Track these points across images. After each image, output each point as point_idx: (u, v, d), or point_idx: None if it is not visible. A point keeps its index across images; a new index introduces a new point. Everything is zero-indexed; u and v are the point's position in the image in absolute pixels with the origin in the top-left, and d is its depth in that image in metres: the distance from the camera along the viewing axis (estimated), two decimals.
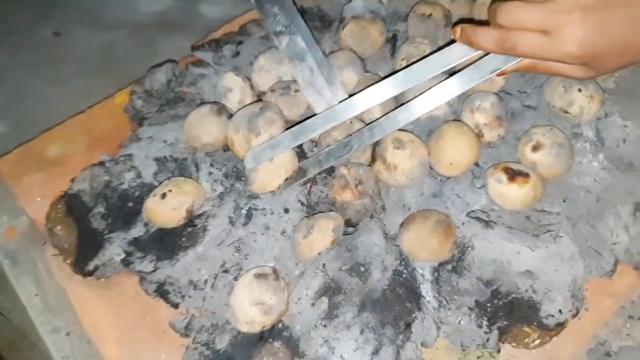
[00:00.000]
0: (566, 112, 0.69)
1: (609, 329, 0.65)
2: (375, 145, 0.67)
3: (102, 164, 0.72)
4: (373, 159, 0.67)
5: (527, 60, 0.57)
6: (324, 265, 0.61)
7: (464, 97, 0.70)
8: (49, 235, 0.69)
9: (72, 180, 0.72)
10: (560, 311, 0.59)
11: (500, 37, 0.55)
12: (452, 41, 0.60)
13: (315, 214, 0.65)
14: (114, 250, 0.66)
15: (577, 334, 0.61)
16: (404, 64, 0.72)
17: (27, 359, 0.71)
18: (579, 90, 0.68)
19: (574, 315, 0.59)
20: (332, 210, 0.65)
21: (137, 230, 0.67)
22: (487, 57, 0.59)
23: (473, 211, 0.64)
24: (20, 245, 0.76)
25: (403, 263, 0.62)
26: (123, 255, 0.65)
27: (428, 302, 0.61)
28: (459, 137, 0.65)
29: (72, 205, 0.69)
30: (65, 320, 0.69)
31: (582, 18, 0.50)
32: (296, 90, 0.71)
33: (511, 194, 0.63)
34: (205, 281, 0.63)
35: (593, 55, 0.52)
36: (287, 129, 0.66)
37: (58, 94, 1.00)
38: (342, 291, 0.59)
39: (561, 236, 0.61)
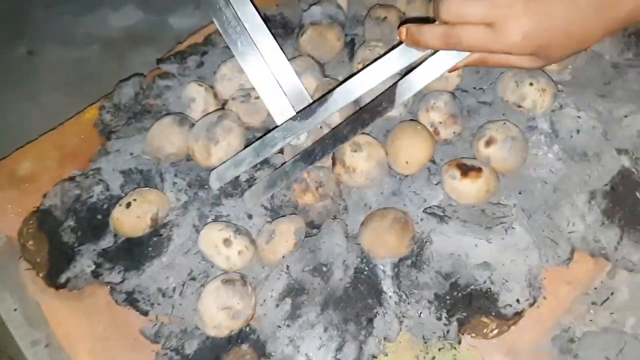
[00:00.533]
0: (519, 106, 0.71)
1: (572, 316, 0.67)
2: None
3: (72, 178, 0.74)
4: (333, 163, 0.68)
5: (476, 55, 0.58)
6: (287, 267, 0.63)
7: (420, 97, 0.72)
8: (22, 250, 0.71)
9: (44, 195, 0.74)
10: (517, 300, 0.61)
11: (445, 33, 0.56)
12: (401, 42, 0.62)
13: (278, 217, 0.66)
14: (85, 262, 0.68)
15: (535, 322, 0.63)
16: (359, 67, 0.74)
17: None
18: (530, 84, 0.70)
19: (532, 304, 0.61)
20: (294, 214, 0.67)
21: (107, 242, 0.68)
22: (437, 55, 0.60)
23: (429, 207, 0.66)
24: None
25: (364, 261, 0.64)
26: (93, 267, 0.67)
27: (389, 297, 0.62)
28: (413, 136, 0.66)
29: (43, 220, 0.71)
30: (44, 333, 0.71)
31: (525, 8, 0.51)
32: (256, 98, 0.73)
33: (465, 189, 0.64)
34: (174, 289, 0.64)
35: (538, 45, 0.53)
36: (246, 145, 0.68)
37: (30, 111, 1.02)
38: (305, 291, 0.61)
39: (514, 227, 0.63)
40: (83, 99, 0.89)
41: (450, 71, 0.61)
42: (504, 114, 0.72)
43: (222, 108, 0.76)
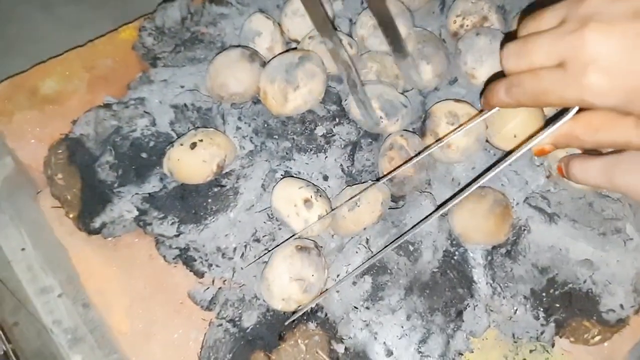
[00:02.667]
0: None
1: None
2: (426, 117, 0.60)
3: (108, 106, 0.63)
4: (423, 133, 0.60)
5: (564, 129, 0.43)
6: (367, 240, 0.54)
7: None
8: (49, 183, 0.60)
9: (74, 122, 0.63)
10: (621, 306, 0.54)
11: (508, 82, 0.43)
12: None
13: (357, 183, 0.58)
14: (125, 206, 0.57)
15: (636, 332, 0.57)
16: (458, 20, 0.65)
17: (11, 321, 0.63)
18: None
19: (637, 311, 0.55)
20: (377, 181, 0.58)
21: (152, 186, 0.58)
22: None
23: (533, 196, 0.58)
24: (3, 191, 0.66)
25: (454, 243, 0.56)
26: (136, 213, 0.57)
27: (480, 288, 0.55)
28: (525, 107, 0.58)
29: (74, 151, 0.60)
30: (58, 280, 0.62)
31: (602, 30, 0.36)
32: (340, 41, 0.63)
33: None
34: (234, 249, 0.55)
35: (630, 87, 0.36)
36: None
37: (52, 23, 0.88)
38: (388, 271, 0.53)
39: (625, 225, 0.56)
40: (109, 16, 0.79)
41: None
42: None
43: (293, 48, 0.65)
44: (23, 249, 0.64)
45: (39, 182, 0.64)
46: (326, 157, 0.59)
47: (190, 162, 0.55)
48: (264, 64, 0.62)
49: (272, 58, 0.61)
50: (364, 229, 0.55)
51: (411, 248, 0.55)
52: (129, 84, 0.67)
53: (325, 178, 0.58)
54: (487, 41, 0.62)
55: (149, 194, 0.58)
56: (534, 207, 0.57)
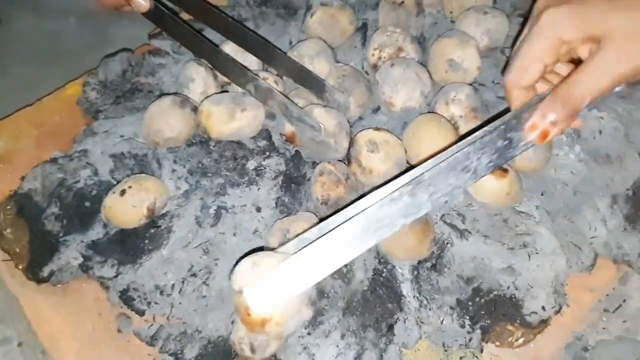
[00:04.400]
0: None
1: (586, 323, 0.65)
2: (350, 145, 0.64)
3: (54, 160, 0.67)
4: (349, 161, 0.64)
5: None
6: None
7: (438, 89, 0.68)
8: None
9: (22, 178, 0.67)
10: (543, 308, 0.58)
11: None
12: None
13: (288, 214, 0.61)
14: (71, 254, 0.61)
15: (558, 331, 0.60)
16: (376, 53, 0.70)
17: None
18: None
19: (557, 312, 0.58)
20: (308, 210, 0.62)
21: (96, 232, 0.62)
22: None
23: (448, 214, 0.62)
24: None
25: (382, 261, 0.59)
26: (81, 260, 0.60)
27: (409, 302, 0.58)
28: (436, 130, 0.62)
29: (23, 206, 0.64)
30: (17, 330, 0.64)
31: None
32: (265, 79, 0.67)
33: (486, 185, 0.61)
34: (173, 286, 0.58)
35: None
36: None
37: (2, 84, 0.93)
38: (326, 295, 0.56)
39: (540, 233, 0.60)
40: (60, 74, 0.82)
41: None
42: None
43: (225, 91, 0.70)
44: None
45: None
46: (258, 189, 0.63)
47: (121, 208, 0.59)
48: (195, 108, 0.66)
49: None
50: None
51: (344, 270, 0.58)
52: (74, 138, 0.71)
53: (259, 209, 0.62)
54: (401, 71, 0.66)
55: (93, 240, 0.61)
56: (448, 224, 0.60)
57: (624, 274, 0.67)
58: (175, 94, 0.68)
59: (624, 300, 0.68)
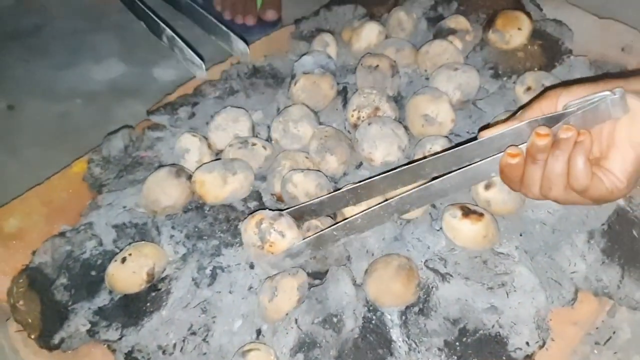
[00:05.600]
0: None
1: (577, 357, 0.66)
2: None
3: (62, 234, 0.72)
4: (334, 215, 0.69)
5: None
6: (296, 320, 0.61)
7: (416, 142, 0.73)
8: (12, 311, 0.68)
9: (33, 253, 0.71)
10: (527, 343, 0.60)
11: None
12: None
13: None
14: (79, 321, 0.65)
15: None
16: (355, 114, 0.75)
17: None
18: None
19: (541, 346, 0.60)
20: (299, 265, 0.65)
21: (102, 299, 0.66)
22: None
23: (431, 259, 0.65)
24: None
25: (371, 309, 0.62)
26: (88, 326, 0.64)
27: (399, 346, 0.61)
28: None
29: (34, 279, 0.68)
30: None
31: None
32: (253, 144, 0.73)
33: (463, 229, 0.64)
34: (174, 345, 0.62)
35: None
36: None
37: (14, 166, 0.99)
38: (318, 345, 0.59)
39: (518, 272, 0.63)
40: (68, 153, 0.88)
41: None
42: None
43: (218, 159, 0.75)
44: None
45: (7, 311, 0.72)
46: None
47: (122, 275, 0.64)
48: (190, 177, 0.71)
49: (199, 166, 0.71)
50: (287, 314, 0.61)
51: (335, 320, 0.61)
52: (81, 212, 0.76)
53: (252, 267, 0.66)
54: (378, 128, 0.71)
55: (99, 307, 0.65)
56: (430, 269, 0.64)
57: (612, 306, 0.70)
58: (172, 165, 0.73)
59: (614, 332, 0.70)
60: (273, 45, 0.99)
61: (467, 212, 0.65)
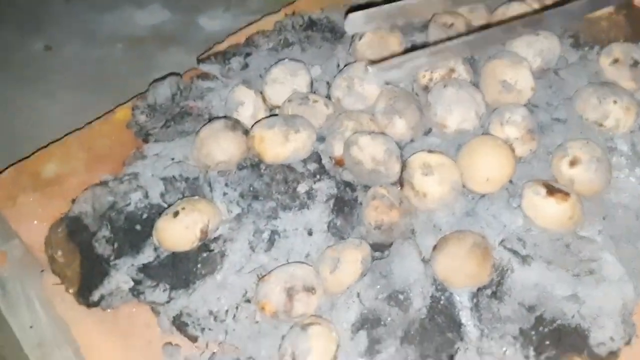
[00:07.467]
0: (601, 124, 0.66)
1: None
2: (402, 168, 0.62)
3: (104, 183, 0.67)
4: (401, 184, 0.62)
5: None
6: (358, 294, 0.56)
7: (491, 110, 0.67)
8: (49, 262, 0.63)
9: (73, 201, 0.66)
10: (611, 338, 0.55)
11: None
12: None
13: (340, 238, 0.60)
14: (121, 277, 0.60)
15: None
16: (427, 75, 0.69)
17: None
18: (614, 102, 0.65)
19: (627, 343, 0.55)
20: (360, 235, 0.60)
21: (147, 256, 0.61)
22: None
23: (508, 239, 0.59)
24: (12, 273, 0.69)
25: (439, 288, 0.57)
26: (131, 284, 0.59)
27: (469, 331, 0.56)
28: (495, 151, 0.60)
29: (73, 229, 0.63)
30: (65, 356, 0.63)
31: None
32: (315, 101, 0.67)
33: (546, 209, 0.59)
34: (226, 311, 0.57)
35: None
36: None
37: (52, 109, 0.94)
38: (382, 323, 0.54)
39: (605, 260, 0.58)
40: (108, 99, 0.83)
41: None
42: (581, 132, 0.67)
43: (275, 114, 0.69)
44: (31, 327, 0.66)
45: (43, 261, 0.67)
46: (310, 212, 0.62)
47: (173, 230, 0.58)
48: (246, 132, 0.66)
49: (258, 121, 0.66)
50: (347, 288, 0.57)
51: (401, 297, 0.56)
52: (124, 161, 0.71)
53: (310, 233, 0.61)
54: (454, 92, 0.65)
55: (144, 264, 0.60)
56: (508, 250, 0.58)
57: None
58: (225, 117, 0.67)
59: None
60: None
61: (551, 190, 0.59)
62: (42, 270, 0.67)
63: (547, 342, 0.55)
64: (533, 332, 0.55)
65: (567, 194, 0.58)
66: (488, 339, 0.55)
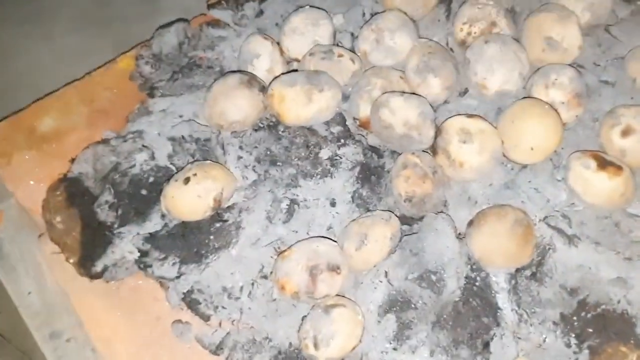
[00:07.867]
0: None
1: None
2: (437, 134, 0.56)
3: (106, 141, 0.61)
4: (434, 151, 0.56)
5: None
6: (386, 273, 0.51)
7: (533, 70, 0.60)
8: (47, 227, 0.58)
9: (72, 160, 0.61)
10: None
11: None
12: None
13: (368, 210, 0.55)
14: (126, 247, 0.55)
15: None
16: (465, 28, 0.62)
17: None
18: None
19: None
20: (388, 206, 0.55)
21: (154, 224, 0.56)
22: None
23: (552, 216, 0.54)
24: (8, 234, 0.65)
25: (474, 268, 0.52)
26: (137, 255, 0.55)
27: (506, 315, 0.51)
28: (542, 117, 0.54)
29: (73, 192, 0.58)
30: (66, 324, 0.59)
31: None
32: (340, 55, 0.60)
33: (597, 183, 0.53)
34: (242, 288, 0.52)
35: None
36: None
37: (49, 55, 0.87)
38: (413, 306, 0.50)
39: None
40: (110, 45, 0.77)
41: None
42: (632, 98, 0.60)
43: (295, 70, 0.63)
44: (29, 293, 0.62)
45: (41, 224, 0.62)
46: (333, 181, 0.57)
47: (184, 199, 0.53)
48: (263, 88, 0.59)
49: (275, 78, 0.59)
50: (374, 266, 0.52)
51: (434, 278, 0.51)
52: (128, 117, 0.65)
53: (333, 204, 0.56)
54: (497, 49, 0.58)
55: (150, 233, 0.55)
56: (553, 228, 0.53)
57: None
58: (239, 71, 0.61)
59: None
60: None
61: (603, 163, 0.53)
62: (41, 235, 0.62)
63: (590, 329, 0.50)
64: (575, 318, 0.51)
65: (620, 168, 0.53)
66: (527, 325, 0.51)
